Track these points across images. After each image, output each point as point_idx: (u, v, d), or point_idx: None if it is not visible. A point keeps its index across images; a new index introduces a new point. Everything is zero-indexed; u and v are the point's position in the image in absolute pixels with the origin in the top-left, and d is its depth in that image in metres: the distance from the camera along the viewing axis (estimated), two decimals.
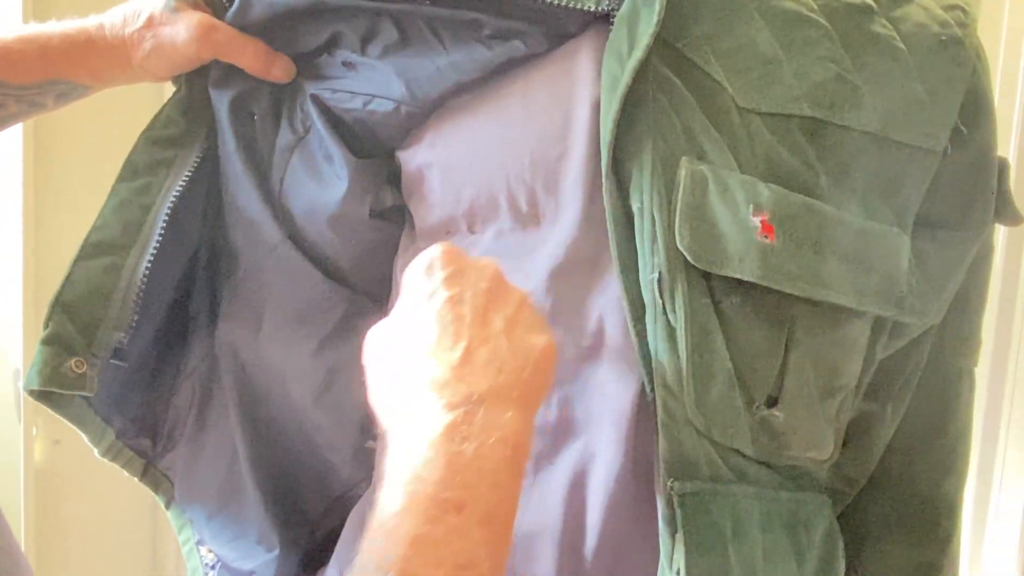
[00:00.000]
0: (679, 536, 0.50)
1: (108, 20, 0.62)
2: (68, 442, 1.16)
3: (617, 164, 0.53)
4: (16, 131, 1.09)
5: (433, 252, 0.48)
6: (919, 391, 0.65)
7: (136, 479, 0.71)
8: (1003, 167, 0.61)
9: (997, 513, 0.92)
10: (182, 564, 1.24)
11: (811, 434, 0.56)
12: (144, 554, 1.23)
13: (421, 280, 0.47)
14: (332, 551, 0.70)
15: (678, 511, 0.50)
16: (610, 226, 0.53)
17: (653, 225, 0.51)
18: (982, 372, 0.68)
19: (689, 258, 0.51)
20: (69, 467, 1.16)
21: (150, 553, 1.23)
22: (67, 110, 0.67)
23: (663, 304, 0.51)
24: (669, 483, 0.50)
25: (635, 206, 0.52)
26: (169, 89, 0.66)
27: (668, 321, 0.51)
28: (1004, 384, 0.89)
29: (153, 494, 1.19)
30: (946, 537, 0.68)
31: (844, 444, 0.61)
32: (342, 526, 0.70)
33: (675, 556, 0.50)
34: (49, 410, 1.13)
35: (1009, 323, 0.88)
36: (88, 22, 0.62)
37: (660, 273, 0.51)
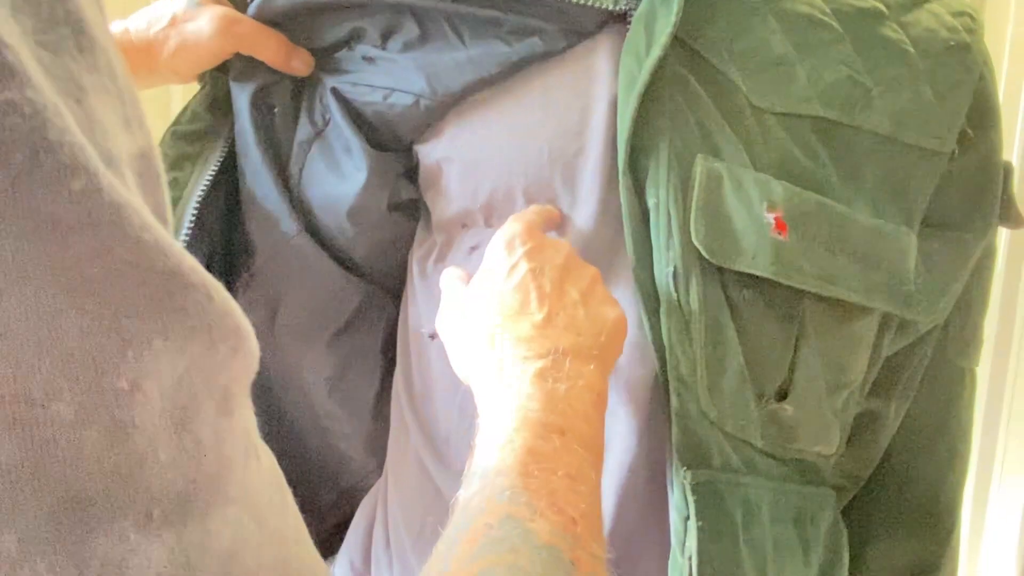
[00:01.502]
0: (691, 523, 0.51)
1: (133, 25, 0.63)
2: None
3: (633, 160, 0.54)
4: None
5: (514, 228, 0.52)
6: (922, 390, 0.66)
7: None
8: (1008, 171, 0.63)
9: (996, 510, 0.93)
10: None
11: (818, 428, 0.57)
12: None
13: (502, 254, 0.51)
14: (341, 540, 0.71)
15: (691, 499, 0.51)
16: (626, 221, 0.54)
17: (669, 221, 0.52)
18: (983, 371, 0.69)
19: (704, 253, 0.52)
20: None
21: None
22: None
23: (677, 298, 0.52)
24: (682, 472, 0.51)
25: (651, 202, 0.53)
26: (177, 94, 0.67)
27: (682, 314, 0.52)
28: (1004, 383, 0.90)
29: None
30: (946, 533, 0.69)
31: (848, 441, 0.62)
32: (352, 516, 0.71)
33: (687, 543, 0.51)
34: None
35: (1010, 324, 0.89)
36: (113, 27, 0.63)
37: (675, 267, 0.52)
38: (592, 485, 0.42)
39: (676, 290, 0.52)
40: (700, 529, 0.51)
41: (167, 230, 0.24)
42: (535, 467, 0.40)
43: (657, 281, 0.53)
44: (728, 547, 0.51)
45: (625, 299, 0.56)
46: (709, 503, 0.51)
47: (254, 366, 0.26)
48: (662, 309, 0.53)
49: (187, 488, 0.23)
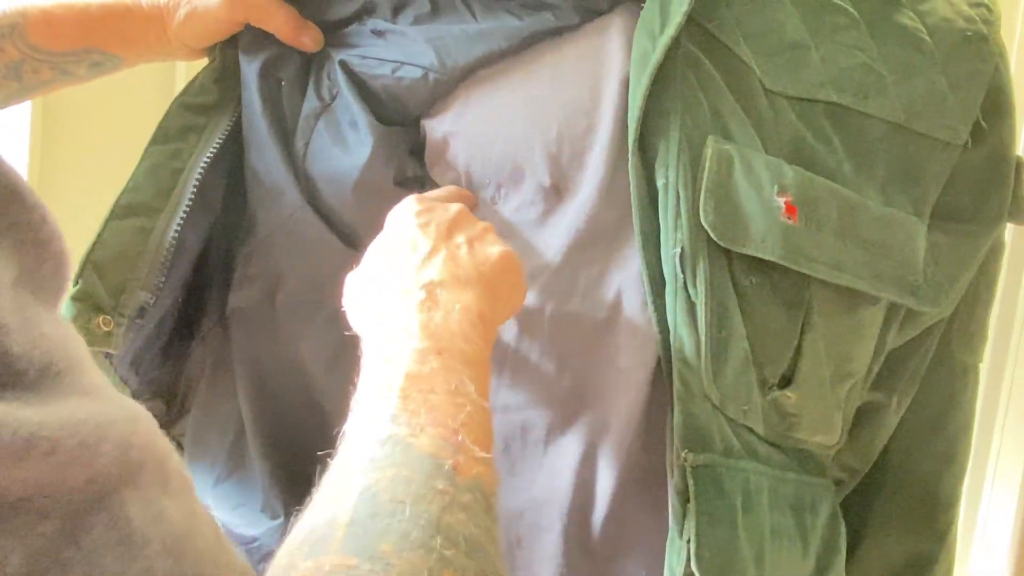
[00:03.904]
0: (691, 506, 0.50)
1: None
2: None
3: (643, 140, 0.53)
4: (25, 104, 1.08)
5: (410, 197, 0.55)
6: (924, 384, 0.65)
7: None
8: (1020, 166, 0.62)
9: (990, 507, 0.93)
10: None
11: (820, 418, 0.57)
12: None
13: (394, 217, 0.54)
14: None
15: (691, 482, 0.51)
16: (634, 201, 0.53)
17: (677, 201, 0.52)
18: (981, 368, 0.69)
19: (712, 235, 0.52)
20: None
21: None
22: (75, 90, 0.67)
23: (684, 279, 0.52)
24: (683, 455, 0.51)
25: (660, 182, 0.53)
26: (179, 84, 0.66)
27: (688, 296, 0.52)
28: (1002, 380, 0.89)
29: None
30: (943, 530, 0.69)
31: (848, 433, 0.62)
32: None
33: (686, 526, 0.51)
34: None
35: (1010, 320, 0.89)
36: None
37: (682, 248, 0.51)
38: (473, 396, 0.43)
39: (683, 272, 0.51)
40: (699, 512, 0.50)
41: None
42: (413, 389, 0.41)
43: (663, 262, 0.53)
44: (726, 531, 0.51)
45: (628, 280, 0.55)
46: (709, 487, 0.51)
47: (67, 286, 0.29)
48: (668, 290, 0.52)
49: (47, 364, 0.25)
